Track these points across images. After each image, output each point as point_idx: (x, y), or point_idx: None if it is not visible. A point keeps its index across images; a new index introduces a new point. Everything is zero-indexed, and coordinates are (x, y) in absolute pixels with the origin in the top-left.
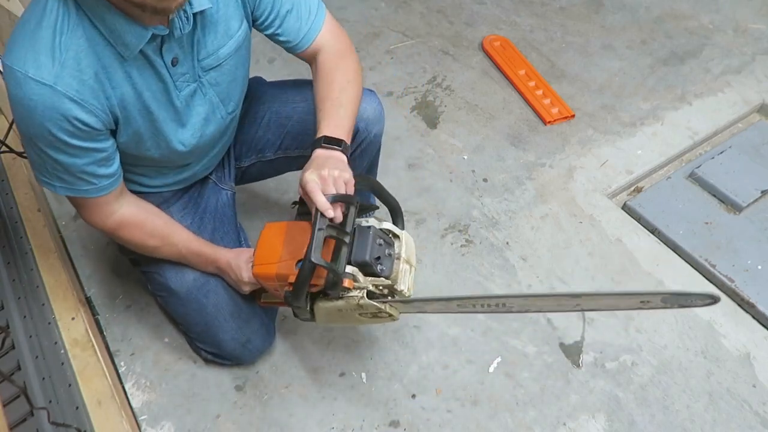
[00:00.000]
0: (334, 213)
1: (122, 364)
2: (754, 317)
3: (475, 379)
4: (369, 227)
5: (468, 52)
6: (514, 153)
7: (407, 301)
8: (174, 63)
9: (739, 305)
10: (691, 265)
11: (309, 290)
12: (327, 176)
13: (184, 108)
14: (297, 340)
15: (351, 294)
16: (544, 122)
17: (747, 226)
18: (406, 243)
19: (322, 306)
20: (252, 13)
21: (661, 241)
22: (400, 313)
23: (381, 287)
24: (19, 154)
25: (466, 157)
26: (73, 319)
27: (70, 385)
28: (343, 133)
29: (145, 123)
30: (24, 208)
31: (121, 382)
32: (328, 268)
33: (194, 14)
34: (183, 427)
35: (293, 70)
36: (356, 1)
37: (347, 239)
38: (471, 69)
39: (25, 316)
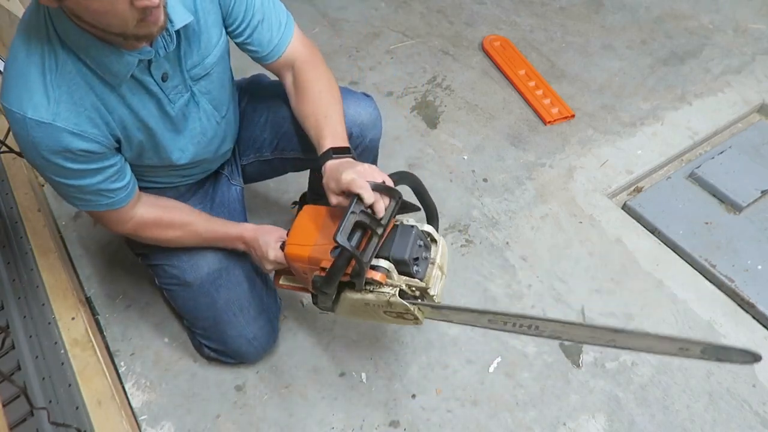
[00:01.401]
0: (377, 206)
1: (122, 364)
2: (754, 317)
3: (475, 379)
4: (412, 227)
5: (468, 52)
6: (514, 153)
7: (436, 307)
8: (164, 78)
9: (739, 305)
10: (691, 265)
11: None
12: (364, 171)
13: (181, 119)
14: (297, 340)
15: (383, 290)
16: (544, 122)
17: (747, 226)
18: (442, 249)
19: (350, 297)
20: (223, 20)
21: (661, 241)
22: (425, 317)
23: (413, 288)
24: (19, 154)
25: (466, 157)
26: (73, 319)
27: (70, 385)
28: (343, 140)
29: (145, 137)
30: (24, 208)
31: (121, 382)
32: (351, 253)
33: (177, 30)
34: (183, 427)
35: None
36: (356, 1)
37: (380, 231)
38: (471, 69)
39: (25, 316)
